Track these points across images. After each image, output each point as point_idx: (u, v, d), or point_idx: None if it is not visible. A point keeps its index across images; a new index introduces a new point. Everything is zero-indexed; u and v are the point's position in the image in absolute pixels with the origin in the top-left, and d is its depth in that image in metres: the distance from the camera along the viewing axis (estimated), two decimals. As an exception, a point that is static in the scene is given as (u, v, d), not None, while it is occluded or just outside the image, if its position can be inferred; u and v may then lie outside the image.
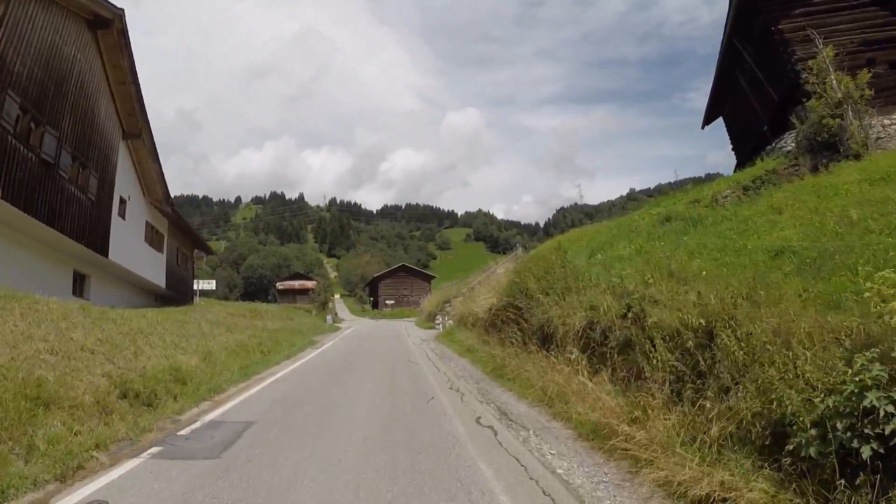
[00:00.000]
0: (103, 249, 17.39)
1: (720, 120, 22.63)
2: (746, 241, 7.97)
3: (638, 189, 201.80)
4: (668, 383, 5.38)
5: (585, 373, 6.82)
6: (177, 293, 26.86)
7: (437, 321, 31.46)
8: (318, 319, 38.99)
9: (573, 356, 7.26)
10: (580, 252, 12.03)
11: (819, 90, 13.96)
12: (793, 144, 14.35)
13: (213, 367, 11.64)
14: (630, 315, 6.76)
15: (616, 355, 6.82)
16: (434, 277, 77.67)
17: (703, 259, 7.57)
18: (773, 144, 15.35)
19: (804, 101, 14.37)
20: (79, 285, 18.04)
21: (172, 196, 24.03)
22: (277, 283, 78.42)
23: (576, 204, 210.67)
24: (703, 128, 22.93)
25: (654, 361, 5.77)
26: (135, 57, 17.82)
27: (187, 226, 28.00)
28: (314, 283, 55.17)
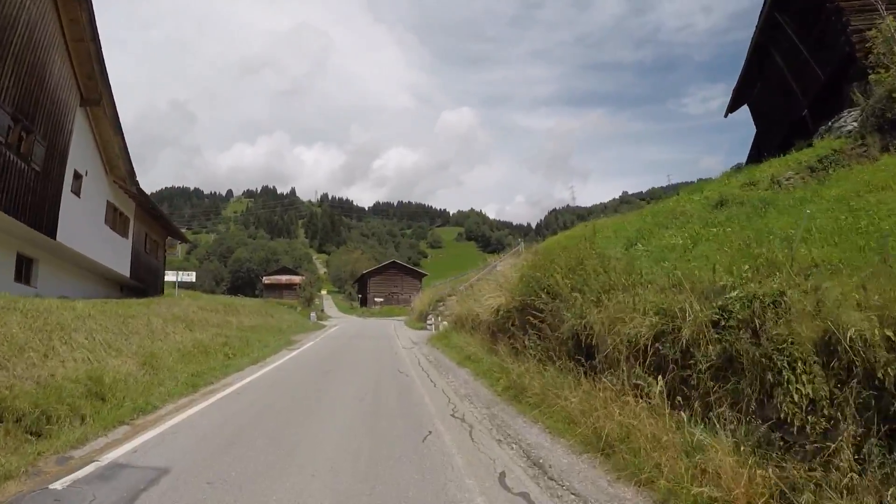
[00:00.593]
0: (50, 229, 14.88)
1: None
2: (871, 222, 5.72)
3: (631, 192, 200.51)
4: (850, 447, 3.08)
5: (666, 408, 4.52)
6: (144, 284, 24.33)
7: (428, 321, 29.14)
8: (301, 316, 36.51)
9: (643, 382, 4.95)
10: (612, 243, 9.75)
11: (886, 61, 11.91)
12: (854, 123, 12.22)
13: (154, 375, 9.26)
14: (734, 322, 4.48)
15: (708, 381, 4.55)
16: (425, 275, 75.20)
17: (815, 245, 5.30)
18: (829, 125, 13.20)
19: (865, 74, 12.35)
20: (24, 271, 15.58)
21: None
22: (264, 278, 75.80)
23: (568, 206, 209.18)
24: (726, 116, 20.81)
25: (799, 396, 3.50)
26: (95, 11, 15.37)
27: (157, 210, 25.46)
28: (301, 277, 52.21)
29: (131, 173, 19.63)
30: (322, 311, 51.77)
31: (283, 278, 72.12)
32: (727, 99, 20.54)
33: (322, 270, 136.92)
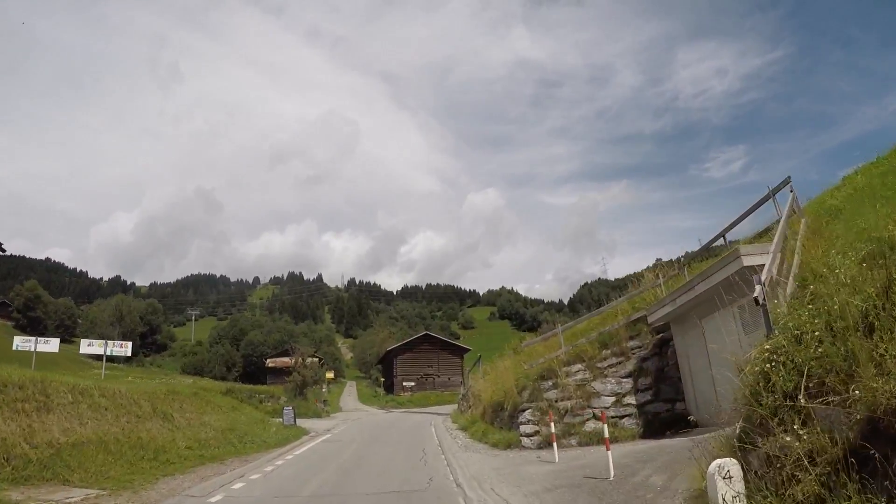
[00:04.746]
0: None
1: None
2: None
3: (665, 259, 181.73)
4: None
5: None
6: None
7: (522, 426, 12.01)
8: (260, 418, 19.09)
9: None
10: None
11: None
12: None
13: None
14: None
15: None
16: (468, 350, 57.19)
17: None
18: None
19: None
20: None
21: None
22: (267, 360, 58.72)
23: (599, 279, 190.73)
24: None
25: None
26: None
27: None
28: (291, 359, 34.37)
29: None
30: (324, 402, 34.23)
31: (291, 360, 55.10)
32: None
33: (348, 356, 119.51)
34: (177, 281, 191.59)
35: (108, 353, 26.12)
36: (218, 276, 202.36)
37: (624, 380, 13.03)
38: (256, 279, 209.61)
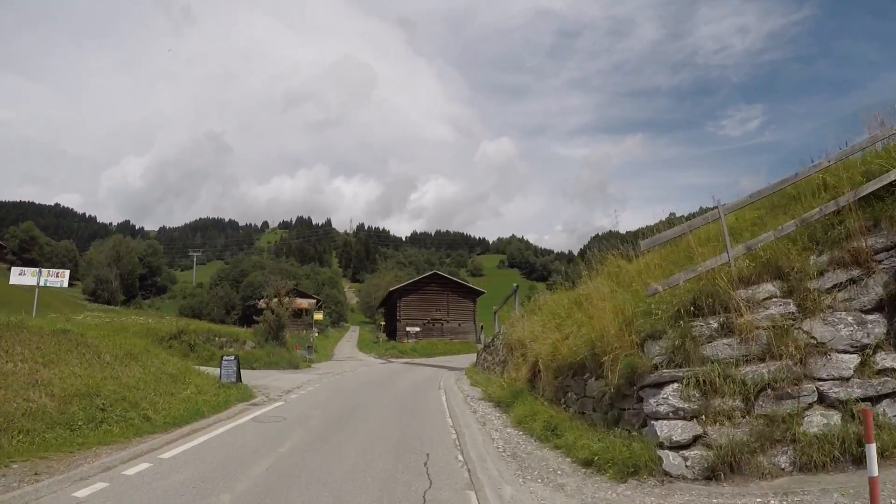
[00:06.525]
0: None
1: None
2: None
3: (678, 214, 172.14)
4: None
5: None
6: None
7: (660, 424, 4.56)
8: (184, 369, 11.68)
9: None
10: None
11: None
12: None
13: None
14: None
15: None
16: (482, 293, 49.90)
17: None
18: None
19: None
20: None
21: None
22: (260, 302, 52.01)
23: (610, 231, 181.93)
24: None
25: None
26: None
27: None
28: (267, 300, 26.56)
29: None
30: (308, 348, 27.37)
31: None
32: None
33: (354, 300, 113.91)
34: (185, 225, 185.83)
35: (42, 283, 19.51)
36: (227, 220, 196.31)
37: (868, 316, 5.71)
38: (265, 224, 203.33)
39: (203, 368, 13.94)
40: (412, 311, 46.04)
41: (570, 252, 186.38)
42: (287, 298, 27.07)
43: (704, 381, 5.31)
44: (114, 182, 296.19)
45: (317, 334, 39.47)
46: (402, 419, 9.34)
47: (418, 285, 48.36)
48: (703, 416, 5.30)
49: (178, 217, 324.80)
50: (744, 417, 5.28)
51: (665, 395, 5.45)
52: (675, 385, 5.44)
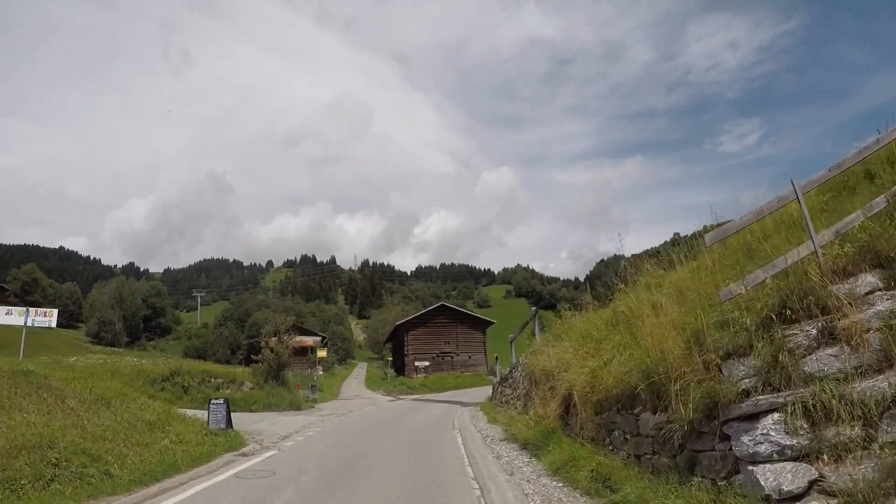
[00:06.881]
0: None
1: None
2: None
3: (682, 234, 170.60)
4: None
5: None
6: None
7: (760, 469, 3.14)
8: (164, 413, 10.26)
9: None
10: None
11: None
12: None
13: None
14: None
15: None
16: (492, 323, 48.22)
17: None
18: None
19: None
20: None
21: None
22: (263, 341, 50.38)
23: (615, 255, 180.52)
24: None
25: None
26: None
27: None
28: (269, 340, 24.67)
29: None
30: (312, 387, 25.91)
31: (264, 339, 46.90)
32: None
33: (361, 336, 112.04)
34: (189, 266, 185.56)
35: (30, 323, 18.39)
36: (231, 260, 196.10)
37: None
38: (270, 263, 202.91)
39: (193, 413, 12.54)
40: (420, 344, 44.34)
41: (577, 279, 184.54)
42: (287, 336, 25.62)
43: (814, 406, 3.96)
44: (118, 224, 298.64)
45: (321, 372, 37.83)
46: (412, 471, 7.89)
47: (425, 318, 46.75)
48: (817, 454, 3.93)
49: (183, 258, 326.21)
50: (866, 449, 3.90)
51: (764, 430, 4.07)
52: (776, 415, 4.08)
